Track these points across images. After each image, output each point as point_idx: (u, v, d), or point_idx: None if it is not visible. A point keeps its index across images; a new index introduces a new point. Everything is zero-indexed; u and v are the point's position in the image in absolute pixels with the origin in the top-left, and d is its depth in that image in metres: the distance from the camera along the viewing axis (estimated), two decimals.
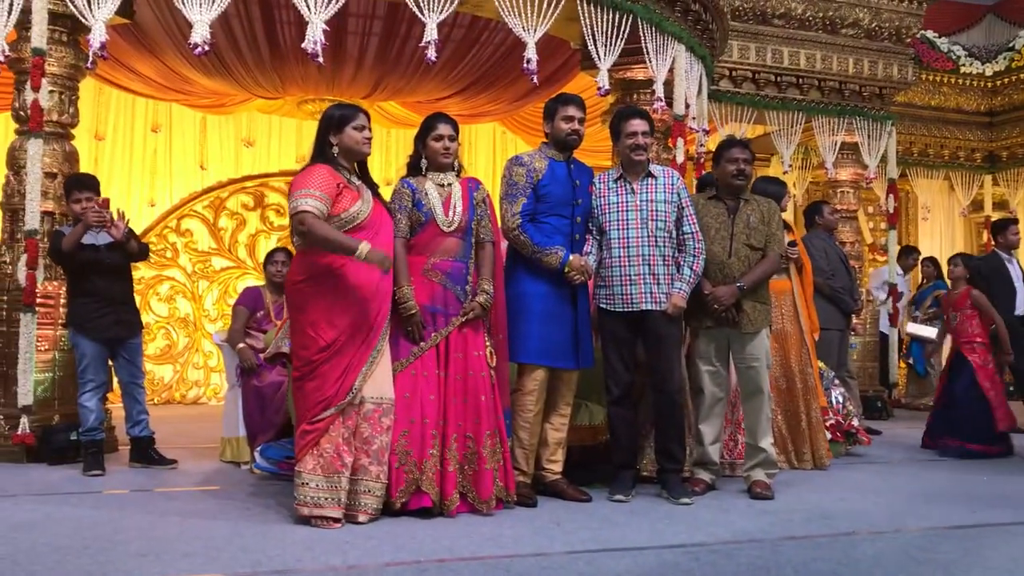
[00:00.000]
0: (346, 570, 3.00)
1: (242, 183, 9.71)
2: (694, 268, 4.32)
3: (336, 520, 3.59)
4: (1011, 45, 11.27)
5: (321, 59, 4.81)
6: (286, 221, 9.57)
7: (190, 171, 10.05)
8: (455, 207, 4.03)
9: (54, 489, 4.45)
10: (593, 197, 4.38)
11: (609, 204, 4.35)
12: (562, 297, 4.22)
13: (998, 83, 11.35)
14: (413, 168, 4.14)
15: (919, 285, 10.73)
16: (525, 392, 4.18)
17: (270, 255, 5.74)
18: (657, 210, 4.30)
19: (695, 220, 4.38)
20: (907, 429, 7.70)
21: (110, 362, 5.14)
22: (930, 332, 9.71)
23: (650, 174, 4.38)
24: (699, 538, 3.51)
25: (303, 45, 4.77)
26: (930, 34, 11.06)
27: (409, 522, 3.69)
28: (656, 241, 4.27)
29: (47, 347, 5.42)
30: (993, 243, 7.96)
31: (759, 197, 4.74)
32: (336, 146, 3.86)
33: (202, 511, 3.94)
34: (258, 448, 4.89)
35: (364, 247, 3.60)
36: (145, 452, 5.15)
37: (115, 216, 4.93)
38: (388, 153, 10.62)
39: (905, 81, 9.28)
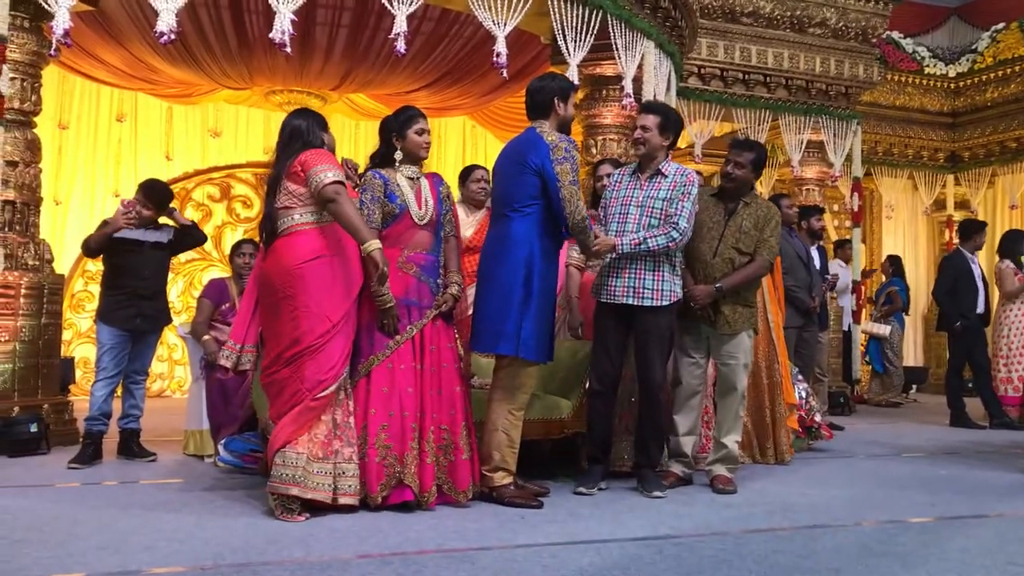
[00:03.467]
0: (310, 563, 2.98)
1: (208, 174, 9.62)
2: (646, 237, 4.19)
3: (307, 511, 3.59)
4: (974, 47, 11.45)
5: (289, 49, 4.77)
6: (252, 213, 9.51)
7: (155, 161, 9.94)
8: (427, 201, 4.03)
9: (13, 481, 4.38)
10: (608, 188, 4.47)
11: (617, 197, 4.39)
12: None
13: (961, 84, 11.52)
14: (384, 159, 4.10)
15: (880, 282, 10.89)
16: (524, 390, 4.09)
17: (237, 246, 5.71)
18: (655, 207, 4.27)
19: (684, 214, 4.24)
20: (869, 425, 7.81)
21: None
22: (883, 329, 9.88)
23: (659, 172, 4.34)
24: (663, 531, 3.54)
25: (271, 35, 4.73)
26: (895, 35, 11.20)
27: (374, 516, 3.68)
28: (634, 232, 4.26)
29: (7, 338, 5.36)
30: (959, 242, 8.10)
31: (763, 202, 4.69)
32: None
33: (164, 504, 3.91)
34: (222, 441, 4.85)
35: (375, 244, 3.68)
36: (128, 445, 5.18)
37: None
38: (357, 145, 10.57)
39: (871, 81, 9.40)
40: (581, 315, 4.90)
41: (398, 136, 4.06)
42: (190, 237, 5.46)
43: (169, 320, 5.46)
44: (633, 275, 4.24)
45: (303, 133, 3.89)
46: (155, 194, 5.27)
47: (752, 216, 4.57)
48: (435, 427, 3.88)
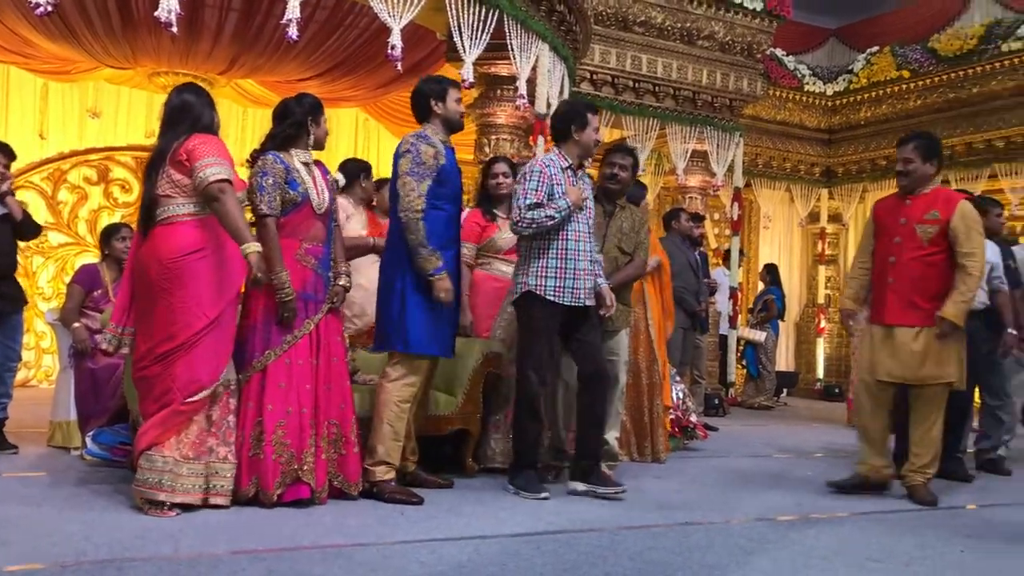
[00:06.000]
0: (179, 559, 2.89)
1: (85, 155, 9.19)
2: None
3: (177, 507, 3.48)
4: (850, 68, 11.99)
5: (175, 30, 4.60)
6: (131, 197, 9.14)
7: (28, 140, 9.37)
8: (322, 190, 3.96)
9: None
10: (546, 184, 4.27)
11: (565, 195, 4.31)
12: None
13: (837, 103, 12.05)
14: (287, 140, 3.93)
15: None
16: (408, 382, 4.06)
17: (115, 229, 5.43)
18: (592, 205, 4.41)
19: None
20: (742, 426, 8.09)
21: None
22: (759, 336, 10.28)
23: (583, 167, 4.47)
24: (541, 527, 3.58)
25: (156, 14, 4.55)
26: (779, 52, 11.63)
27: (249, 511, 3.60)
28: (591, 236, 4.37)
29: None
30: None
31: (632, 206, 4.94)
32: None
33: (25, 498, 3.72)
34: (90, 433, 4.65)
35: (255, 247, 3.56)
36: None
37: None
38: (245, 132, 10.26)
39: (754, 95, 9.73)
40: (471, 313, 4.90)
41: (313, 121, 3.97)
42: (34, 226, 5.16)
43: (27, 300, 5.15)
44: (591, 275, 4.34)
45: (192, 109, 3.73)
46: (9, 153, 4.98)
47: (629, 218, 4.79)
48: (327, 422, 3.83)
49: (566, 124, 4.37)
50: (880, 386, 4.61)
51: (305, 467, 3.71)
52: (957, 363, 4.53)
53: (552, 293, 4.24)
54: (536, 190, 4.19)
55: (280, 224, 3.83)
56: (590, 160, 4.58)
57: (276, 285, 3.71)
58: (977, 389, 5.80)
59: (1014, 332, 5.54)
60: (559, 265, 4.25)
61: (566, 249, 4.25)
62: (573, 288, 4.26)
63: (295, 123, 3.93)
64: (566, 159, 4.35)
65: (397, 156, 4.09)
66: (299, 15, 4.79)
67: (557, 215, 4.16)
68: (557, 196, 4.20)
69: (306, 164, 3.96)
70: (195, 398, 3.53)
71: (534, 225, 4.17)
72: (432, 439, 4.62)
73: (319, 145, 4.05)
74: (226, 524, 3.38)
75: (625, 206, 4.84)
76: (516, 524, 3.62)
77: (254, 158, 3.94)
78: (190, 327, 3.54)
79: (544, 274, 4.25)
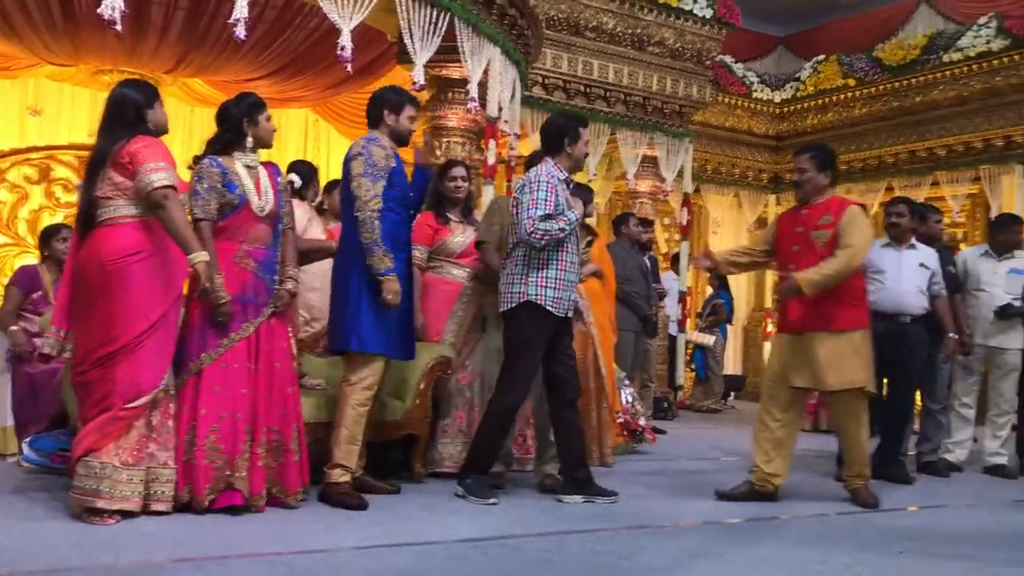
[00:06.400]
0: (119, 569, 2.84)
1: (26, 154, 8.92)
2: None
3: (117, 514, 3.40)
4: (797, 76, 12.18)
5: (120, 27, 4.51)
6: (74, 197, 8.91)
7: None
8: (266, 191, 3.89)
9: None
10: (554, 195, 4.27)
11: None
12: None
13: (785, 110, 12.22)
14: (226, 146, 3.89)
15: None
16: (365, 385, 4.04)
17: (55, 230, 5.34)
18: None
19: None
20: (690, 429, 8.17)
21: None
22: (708, 339, 10.40)
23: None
24: (488, 532, 3.57)
25: (99, 11, 4.46)
26: (728, 59, 11.76)
27: (191, 518, 3.53)
28: (577, 249, 4.44)
29: None
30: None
31: None
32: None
33: None
34: (27, 439, 4.54)
35: (203, 256, 3.51)
36: None
37: None
38: (193, 132, 10.09)
39: (703, 101, 9.84)
40: (422, 316, 4.87)
41: (250, 122, 3.91)
42: None
43: None
44: (573, 289, 4.40)
45: (131, 109, 3.63)
46: None
47: None
48: (266, 429, 3.77)
49: (560, 137, 4.38)
50: (790, 393, 4.61)
51: (238, 474, 3.64)
52: (863, 366, 4.52)
53: (552, 304, 4.26)
54: (547, 200, 4.19)
55: (219, 227, 3.79)
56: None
57: (209, 289, 3.65)
58: (919, 393, 5.92)
59: (955, 336, 5.67)
60: (558, 276, 4.29)
61: (565, 261, 4.30)
62: (565, 299, 4.32)
63: (232, 127, 3.90)
64: (562, 171, 4.38)
65: (348, 160, 4.09)
66: (247, 14, 4.73)
67: (568, 227, 4.22)
68: (563, 208, 4.23)
69: (249, 167, 3.90)
70: (135, 403, 3.46)
71: (547, 236, 4.17)
72: (381, 443, 4.58)
73: (264, 144, 4.00)
74: (168, 531, 3.32)
75: None
76: (463, 529, 3.60)
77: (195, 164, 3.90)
78: (131, 330, 3.47)
79: (545, 284, 4.26)
